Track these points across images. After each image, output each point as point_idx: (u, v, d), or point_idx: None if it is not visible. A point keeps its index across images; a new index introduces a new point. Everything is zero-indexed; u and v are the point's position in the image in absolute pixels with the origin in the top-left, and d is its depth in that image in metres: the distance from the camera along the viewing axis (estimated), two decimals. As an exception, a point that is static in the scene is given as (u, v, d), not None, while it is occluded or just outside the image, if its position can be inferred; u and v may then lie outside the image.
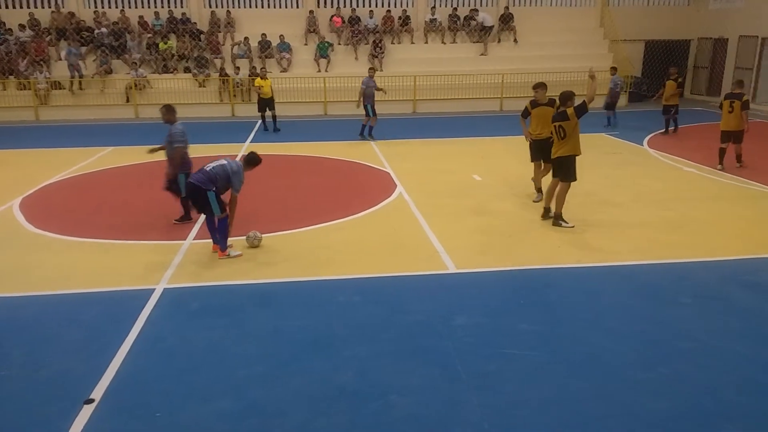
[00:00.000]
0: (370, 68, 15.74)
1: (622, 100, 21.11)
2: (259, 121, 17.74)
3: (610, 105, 16.77)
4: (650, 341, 5.18)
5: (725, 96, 11.65)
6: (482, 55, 21.60)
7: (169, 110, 8.24)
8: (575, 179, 8.14)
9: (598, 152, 13.06)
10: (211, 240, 7.22)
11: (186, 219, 8.38)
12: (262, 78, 16.58)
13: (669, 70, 15.86)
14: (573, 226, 8.13)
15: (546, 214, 8.51)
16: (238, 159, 7.25)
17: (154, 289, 6.24)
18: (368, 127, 15.14)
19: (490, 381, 4.60)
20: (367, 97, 14.88)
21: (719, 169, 11.32)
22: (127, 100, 19.46)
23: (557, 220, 8.22)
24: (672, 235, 7.86)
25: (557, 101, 8.31)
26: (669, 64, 22.92)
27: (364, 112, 15.12)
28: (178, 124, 8.18)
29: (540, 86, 9.08)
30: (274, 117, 16.58)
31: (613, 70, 17.11)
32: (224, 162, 7.07)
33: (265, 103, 16.56)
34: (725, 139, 11.50)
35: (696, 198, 9.59)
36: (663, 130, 15.57)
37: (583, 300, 6.00)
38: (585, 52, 21.57)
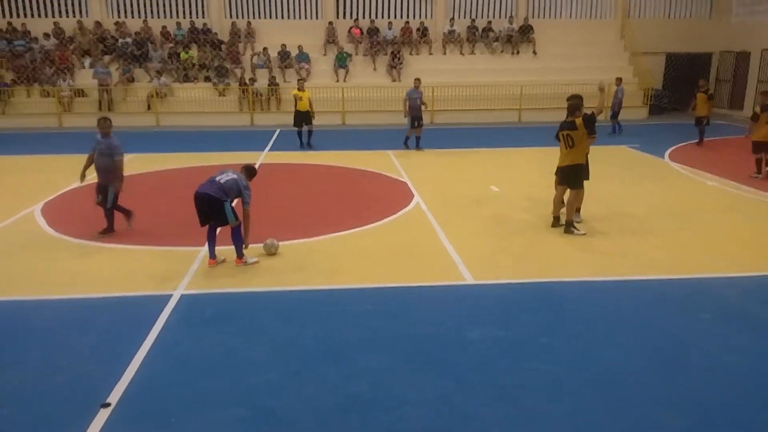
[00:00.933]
0: (416, 79, 15.23)
1: (643, 113, 21.03)
2: (277, 131, 17.91)
3: (615, 114, 17.48)
4: (668, 357, 5.09)
5: (763, 108, 11.59)
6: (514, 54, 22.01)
7: (111, 123, 8.23)
8: (585, 180, 8.35)
9: (617, 164, 12.95)
10: (227, 247, 7.23)
11: (110, 231, 8.26)
12: (299, 90, 15.35)
13: (699, 83, 16.22)
14: (584, 233, 8.14)
15: (556, 222, 8.51)
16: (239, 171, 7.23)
17: (172, 295, 6.28)
18: (414, 138, 14.92)
19: (506, 394, 4.54)
20: (413, 108, 14.64)
21: (757, 176, 11.56)
22: (149, 108, 19.74)
23: (569, 227, 8.21)
24: (692, 249, 7.73)
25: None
26: (690, 77, 22.81)
27: (408, 124, 14.85)
28: (114, 136, 8.19)
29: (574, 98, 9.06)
30: (309, 132, 15.44)
31: (618, 80, 17.67)
32: (234, 176, 7.10)
33: (302, 117, 15.30)
34: (759, 149, 11.58)
35: (717, 211, 9.44)
36: (697, 141, 15.64)
37: (601, 313, 5.91)
38: (605, 64, 21.47)
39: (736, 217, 9.17)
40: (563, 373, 4.83)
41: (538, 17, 22.75)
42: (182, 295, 6.30)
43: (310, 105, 15.28)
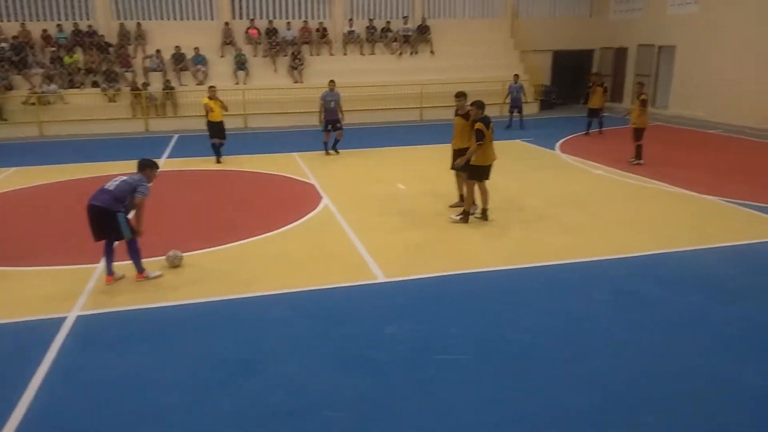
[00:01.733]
0: (330, 81, 14.38)
1: (535, 108, 22.18)
2: (175, 137, 17.15)
3: (517, 109, 18.30)
4: (571, 338, 5.40)
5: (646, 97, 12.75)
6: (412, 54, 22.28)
7: None
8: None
9: (513, 157, 13.54)
10: (125, 262, 6.84)
11: None
12: (210, 98, 13.42)
13: (592, 78, 17.57)
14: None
15: (484, 213, 8.89)
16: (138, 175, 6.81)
17: (66, 318, 5.85)
18: (332, 141, 14.38)
19: (425, 387, 4.63)
20: (328, 111, 14.01)
21: (639, 162, 12.61)
22: (26, 107, 18.26)
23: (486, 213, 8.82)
24: (586, 235, 8.25)
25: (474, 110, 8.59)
26: (575, 72, 24.30)
27: (322, 128, 14.28)
28: None
29: (460, 95, 9.36)
30: (220, 144, 13.64)
31: (515, 77, 18.60)
32: (124, 177, 6.65)
33: (215, 129, 13.50)
34: (640, 136, 12.65)
35: (605, 198, 10.15)
36: (585, 132, 16.81)
37: (508, 302, 6.17)
38: (498, 62, 22.44)
39: (621, 202, 9.89)
40: (477, 361, 4.99)
41: (434, 17, 23.34)
42: (78, 317, 5.89)
43: (224, 106, 13.61)
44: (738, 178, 11.48)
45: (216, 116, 13.45)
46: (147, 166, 6.82)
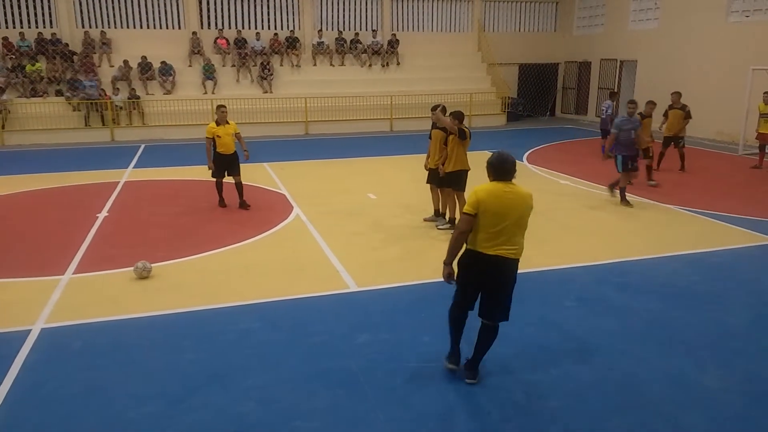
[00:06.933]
0: (629, 102, 10.62)
1: (502, 119, 22.53)
2: (141, 146, 16.86)
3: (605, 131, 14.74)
4: (540, 344, 5.50)
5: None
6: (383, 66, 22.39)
7: None
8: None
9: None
10: (94, 273, 6.71)
11: None
12: (218, 123, 9.85)
13: (672, 97, 13.09)
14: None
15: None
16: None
17: (30, 330, 5.70)
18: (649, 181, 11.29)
19: (396, 396, 4.65)
20: (625, 145, 10.17)
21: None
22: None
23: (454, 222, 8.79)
24: (555, 243, 8.42)
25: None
26: (541, 85, 24.88)
27: (619, 166, 10.30)
28: None
29: (437, 108, 8.79)
30: (238, 185, 10.12)
31: (611, 94, 15.66)
32: None
33: (224, 164, 10.03)
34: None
35: (572, 208, 10.37)
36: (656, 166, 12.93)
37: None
38: (466, 74, 22.84)
39: (587, 212, 10.12)
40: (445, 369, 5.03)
41: (404, 30, 23.62)
42: (42, 329, 5.75)
43: (240, 140, 10.06)
44: (697, 188, 11.88)
45: (226, 146, 9.90)
46: None
